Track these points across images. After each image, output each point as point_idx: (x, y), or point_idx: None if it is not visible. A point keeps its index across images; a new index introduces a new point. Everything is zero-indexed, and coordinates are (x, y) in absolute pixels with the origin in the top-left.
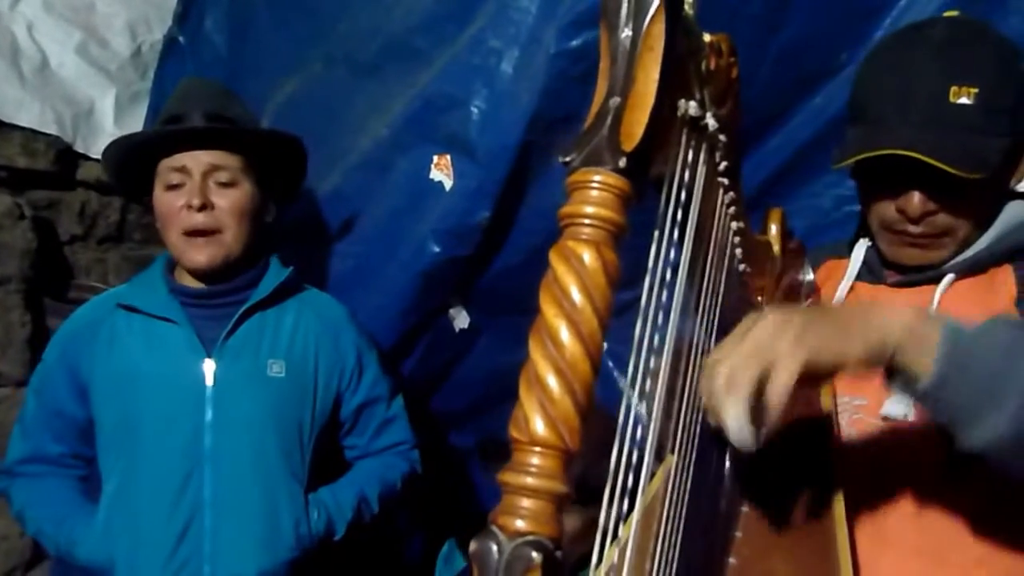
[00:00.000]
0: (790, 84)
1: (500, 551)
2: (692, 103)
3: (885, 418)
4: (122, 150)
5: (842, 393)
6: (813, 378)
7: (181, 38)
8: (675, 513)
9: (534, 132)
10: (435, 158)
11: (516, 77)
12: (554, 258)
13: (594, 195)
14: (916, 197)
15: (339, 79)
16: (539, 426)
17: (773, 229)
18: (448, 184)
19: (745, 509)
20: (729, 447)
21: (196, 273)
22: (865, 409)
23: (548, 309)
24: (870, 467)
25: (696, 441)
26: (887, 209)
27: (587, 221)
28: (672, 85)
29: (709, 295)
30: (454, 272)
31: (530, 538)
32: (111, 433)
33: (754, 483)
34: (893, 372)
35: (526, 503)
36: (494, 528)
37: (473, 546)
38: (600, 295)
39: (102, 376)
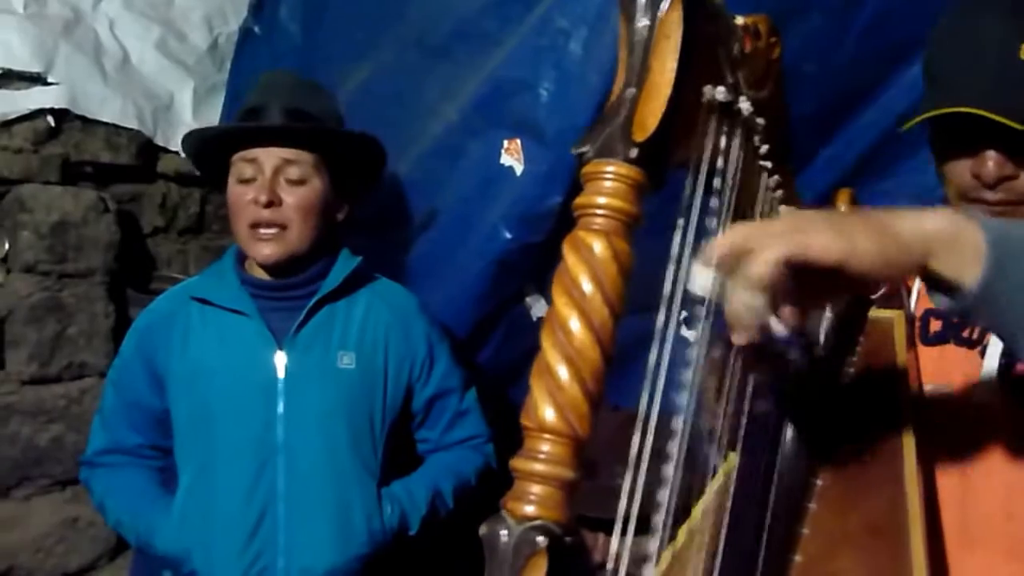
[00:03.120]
0: (880, 54)
1: (509, 535)
2: (720, 88)
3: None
4: (197, 143)
5: (926, 382)
6: (827, 281)
7: (256, 28)
8: (738, 509)
9: None
10: (505, 143)
11: (585, 57)
12: (566, 248)
13: (607, 186)
14: (991, 159)
15: (410, 64)
16: (548, 413)
17: (842, 209)
18: (519, 169)
19: (812, 506)
20: (793, 441)
21: (262, 266)
22: (950, 398)
23: (559, 298)
24: (954, 461)
25: (758, 438)
26: (963, 176)
27: (600, 211)
28: (696, 72)
29: None
30: (527, 259)
31: (538, 523)
32: (186, 425)
33: (822, 479)
34: (932, 281)
35: (535, 489)
36: (503, 512)
37: (483, 530)
38: (611, 284)
39: (177, 368)
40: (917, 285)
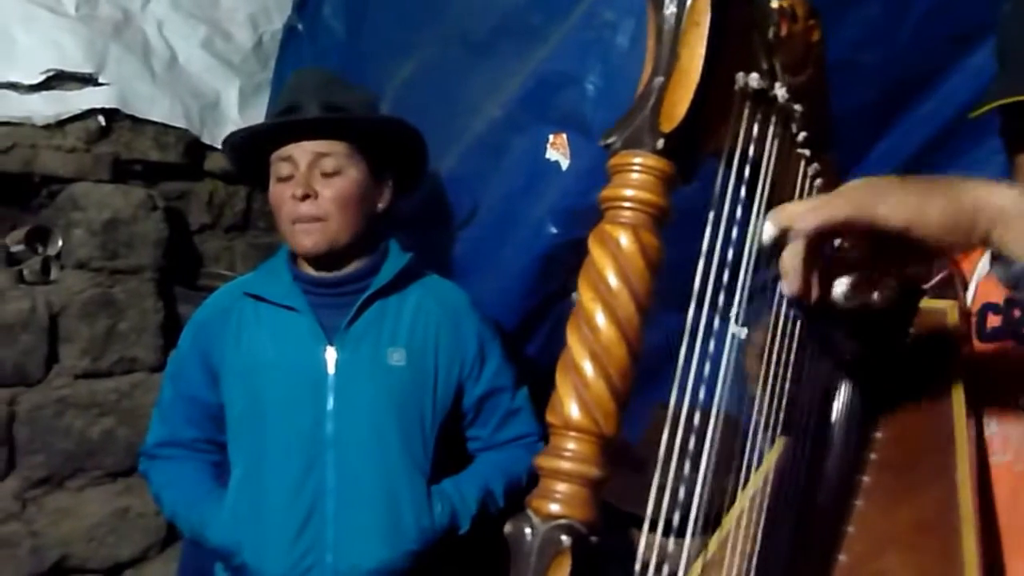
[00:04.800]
0: (941, 42)
1: (533, 534)
2: (754, 75)
3: None
4: (235, 145)
5: (982, 378)
6: (890, 246)
7: (300, 26)
8: (777, 506)
9: None
10: (551, 137)
11: (631, 50)
12: (592, 242)
13: (634, 178)
14: None
15: (454, 59)
16: (574, 411)
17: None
18: (564, 164)
19: (860, 503)
20: (839, 436)
21: (307, 259)
22: (1006, 396)
23: (584, 293)
24: (1010, 461)
25: (801, 432)
26: None
27: (627, 204)
28: (727, 59)
29: None
30: (573, 254)
31: (562, 522)
32: (239, 419)
33: (869, 476)
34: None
35: (560, 487)
36: (528, 511)
37: (508, 528)
38: (638, 279)
39: (231, 364)
40: (975, 280)
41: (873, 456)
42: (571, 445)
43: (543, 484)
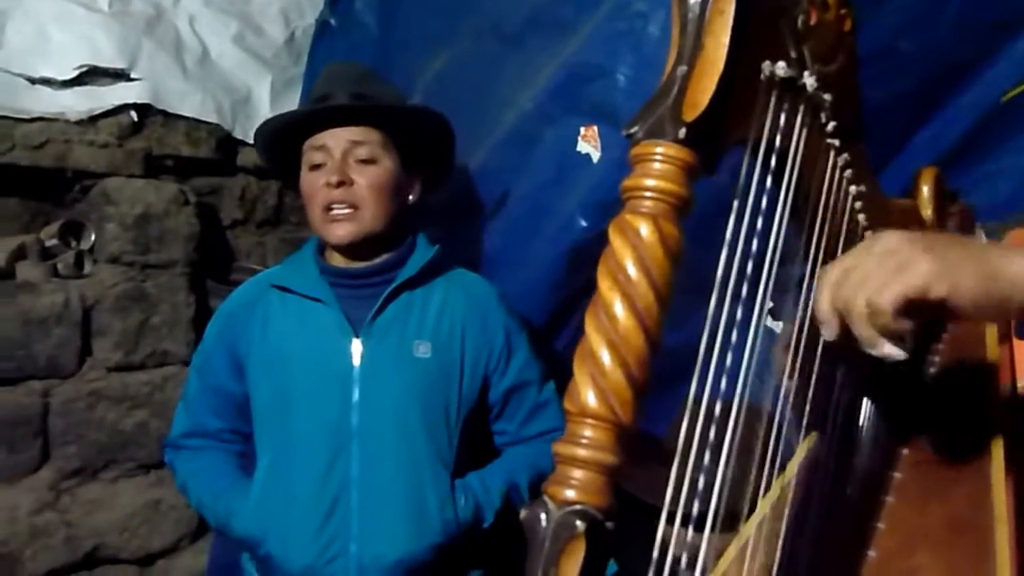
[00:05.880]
0: (984, 28)
1: (548, 519)
2: (781, 64)
3: None
4: (267, 134)
5: (1020, 377)
6: (922, 308)
7: (332, 20)
8: (810, 495)
9: None
10: (582, 129)
11: (664, 40)
12: (612, 231)
13: (656, 167)
14: None
15: (486, 52)
16: (591, 398)
17: (925, 191)
18: (596, 156)
19: (890, 499)
20: (871, 432)
21: (339, 250)
22: None
23: (603, 282)
24: None
25: (831, 428)
26: None
27: (648, 194)
28: (753, 47)
29: (823, 264)
30: (602, 247)
31: (577, 507)
32: (265, 410)
33: (900, 472)
34: None
35: (576, 473)
36: (544, 497)
37: (523, 514)
38: (658, 269)
39: (257, 355)
40: None
41: (905, 452)
42: (587, 432)
43: (559, 470)
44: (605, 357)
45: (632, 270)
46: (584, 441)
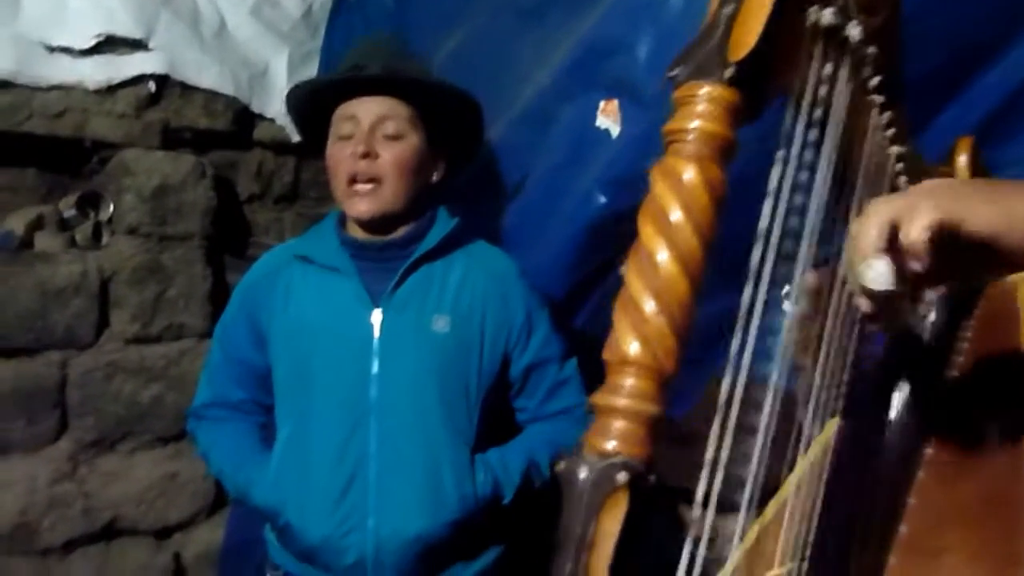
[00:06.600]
0: (1012, 5)
1: (588, 471)
2: (827, 10)
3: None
4: (300, 97)
5: None
6: (974, 257)
7: None
8: (837, 476)
9: None
10: (602, 104)
11: (685, 13)
12: (654, 176)
13: (700, 109)
14: None
15: (504, 28)
16: (632, 346)
17: (962, 160)
18: (615, 131)
19: (922, 475)
20: (902, 407)
21: (359, 223)
22: None
23: (645, 228)
24: None
25: (861, 403)
26: None
27: (691, 136)
28: None
29: None
30: (622, 224)
31: (619, 459)
32: (285, 381)
33: (933, 447)
34: None
35: (617, 424)
36: (584, 449)
37: (560, 466)
38: (702, 212)
39: (279, 326)
40: None
41: (937, 428)
42: (629, 381)
43: (599, 421)
44: (647, 304)
45: (676, 215)
46: (625, 390)
